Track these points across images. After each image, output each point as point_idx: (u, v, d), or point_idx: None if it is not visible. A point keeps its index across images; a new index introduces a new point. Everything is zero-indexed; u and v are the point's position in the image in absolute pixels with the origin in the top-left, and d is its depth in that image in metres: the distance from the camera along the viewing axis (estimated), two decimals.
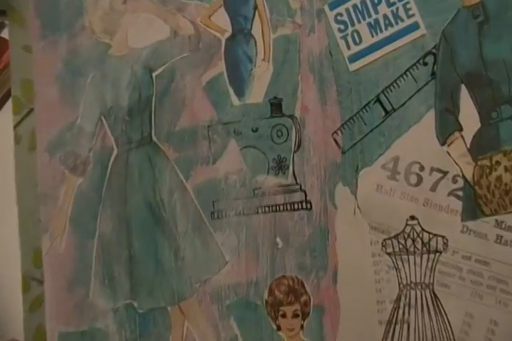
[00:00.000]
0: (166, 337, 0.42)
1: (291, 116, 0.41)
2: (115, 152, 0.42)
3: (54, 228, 0.42)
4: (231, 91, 0.42)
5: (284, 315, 0.42)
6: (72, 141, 0.43)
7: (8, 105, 0.74)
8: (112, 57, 0.43)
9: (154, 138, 0.42)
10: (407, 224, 0.40)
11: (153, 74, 0.43)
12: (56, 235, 0.42)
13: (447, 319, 0.40)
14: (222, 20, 0.43)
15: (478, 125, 0.39)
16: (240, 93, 0.42)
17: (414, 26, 0.40)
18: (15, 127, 0.44)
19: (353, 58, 0.41)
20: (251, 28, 0.42)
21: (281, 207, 0.41)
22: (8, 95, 0.76)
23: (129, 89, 0.42)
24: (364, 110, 0.41)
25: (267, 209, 0.41)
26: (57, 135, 0.43)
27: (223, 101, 0.42)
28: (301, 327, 0.42)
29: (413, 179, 0.40)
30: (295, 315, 0.41)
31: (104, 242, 0.42)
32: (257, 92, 0.42)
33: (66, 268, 0.42)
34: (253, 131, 0.41)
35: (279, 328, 0.42)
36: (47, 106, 0.43)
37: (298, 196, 0.41)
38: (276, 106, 0.41)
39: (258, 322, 0.42)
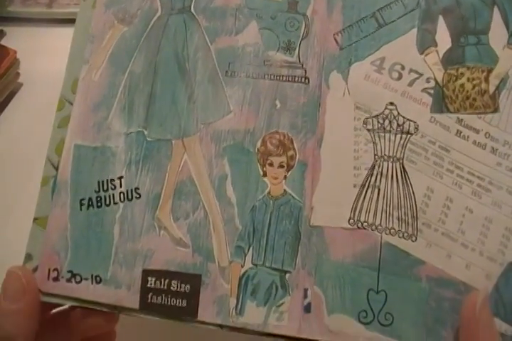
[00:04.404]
0: (165, 164, 0.46)
1: (304, 14, 0.50)
2: (158, 13, 0.50)
3: (93, 61, 0.48)
4: None
5: (271, 164, 0.47)
6: (127, 0, 0.51)
7: (7, 111, 0.80)
8: None
9: (192, 10, 0.51)
10: (386, 108, 0.48)
11: None
12: (94, 67, 0.48)
13: (412, 189, 0.46)
14: None
15: (450, 45, 0.48)
16: None
17: None
18: None
19: None
20: None
21: (284, 77, 0.48)
22: (7, 101, 0.83)
23: None
24: (362, 21, 0.50)
25: (272, 77, 0.48)
26: None
27: None
28: (285, 177, 0.46)
29: (395, 74, 0.49)
30: (281, 166, 0.47)
31: (132, 78, 0.48)
32: None
33: (95, 93, 0.47)
34: (271, 18, 0.50)
35: (265, 174, 0.47)
36: None
37: (299, 72, 0.49)
38: (292, 4, 0.50)
39: (248, 166, 0.47)
